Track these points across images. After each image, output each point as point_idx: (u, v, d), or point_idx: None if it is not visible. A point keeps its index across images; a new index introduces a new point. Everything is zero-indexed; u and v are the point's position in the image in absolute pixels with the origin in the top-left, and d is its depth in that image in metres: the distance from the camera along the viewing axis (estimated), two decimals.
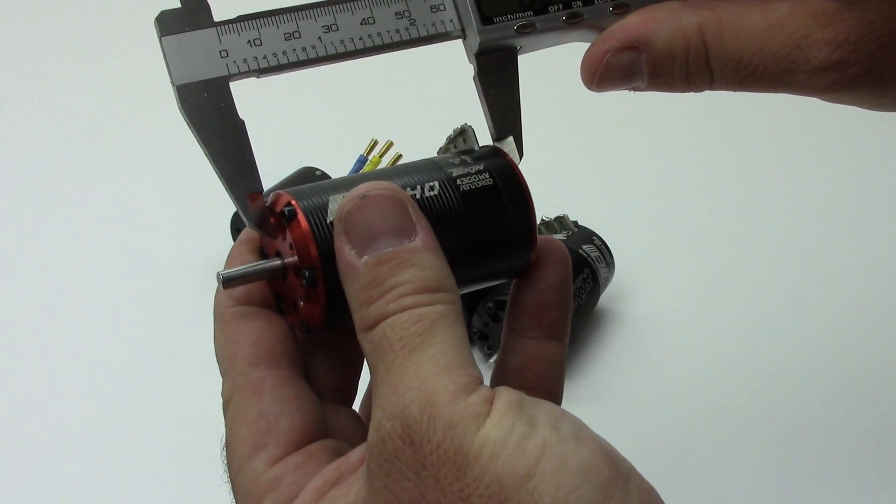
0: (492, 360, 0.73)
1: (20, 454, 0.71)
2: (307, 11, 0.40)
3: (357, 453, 0.35)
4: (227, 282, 0.38)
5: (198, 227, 0.96)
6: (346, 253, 0.35)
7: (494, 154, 0.41)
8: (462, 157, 0.41)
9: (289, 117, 1.07)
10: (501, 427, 0.31)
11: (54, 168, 1.09)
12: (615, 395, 0.74)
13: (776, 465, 0.68)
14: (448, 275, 0.35)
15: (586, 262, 0.77)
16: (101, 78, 1.28)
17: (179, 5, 0.39)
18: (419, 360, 0.32)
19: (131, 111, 1.21)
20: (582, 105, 0.95)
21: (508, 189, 0.39)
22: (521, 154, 0.42)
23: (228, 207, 0.87)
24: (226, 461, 0.37)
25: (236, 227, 0.89)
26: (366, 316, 0.34)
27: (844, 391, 0.73)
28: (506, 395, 0.32)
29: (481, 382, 0.33)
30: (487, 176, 0.39)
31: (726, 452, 0.69)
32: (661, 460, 0.68)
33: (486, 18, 0.41)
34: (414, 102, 0.94)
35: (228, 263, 0.40)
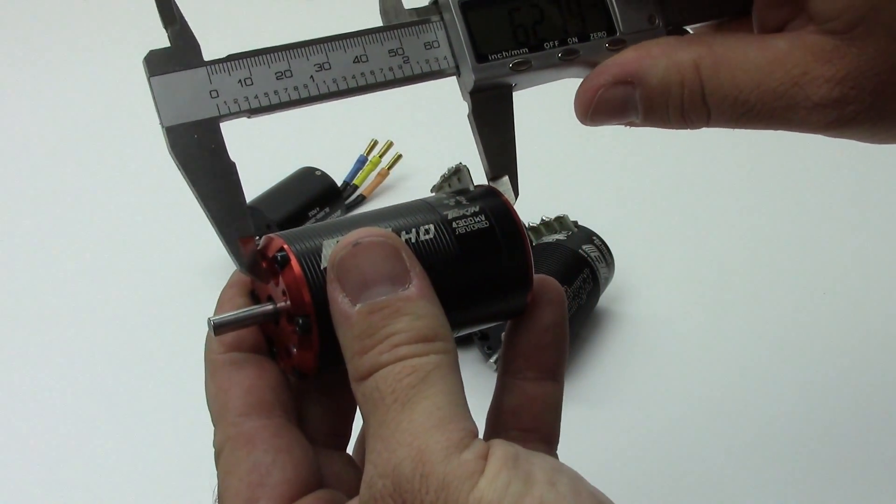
0: (492, 359, 0.73)
1: (20, 454, 0.71)
2: (299, 50, 0.39)
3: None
4: (218, 328, 0.37)
5: (198, 228, 0.96)
6: (339, 301, 0.34)
7: (490, 195, 0.40)
8: (457, 197, 0.40)
9: (289, 117, 1.07)
10: (496, 486, 0.30)
11: (54, 168, 1.09)
12: (615, 395, 0.74)
13: (775, 464, 0.67)
14: (443, 322, 0.34)
15: (586, 262, 0.77)
16: (102, 78, 1.28)
17: (169, 45, 0.38)
18: (412, 415, 0.32)
19: (132, 111, 1.20)
20: None
21: (504, 231, 0.39)
22: (516, 194, 0.41)
23: None
24: None
25: None
26: (359, 366, 0.33)
27: (845, 391, 0.73)
28: (500, 449, 0.31)
29: (476, 436, 0.32)
30: (483, 218, 0.39)
31: (726, 452, 0.69)
32: (661, 460, 0.68)
33: (480, 56, 0.40)
34: (414, 103, 0.94)
35: (219, 308, 0.39)
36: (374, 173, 0.98)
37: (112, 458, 0.70)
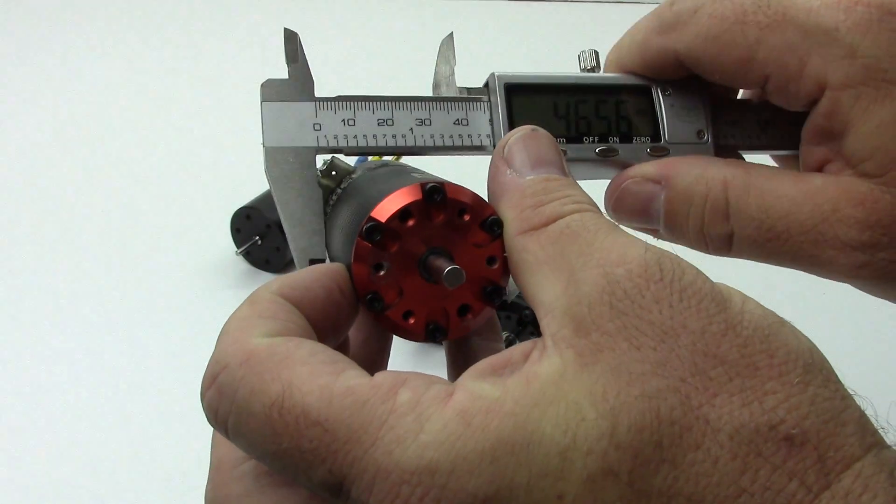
0: None
1: (20, 454, 0.71)
2: (403, 103, 0.42)
3: (508, 353, 0.33)
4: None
5: (198, 228, 0.98)
6: (506, 174, 0.36)
7: None
8: None
9: None
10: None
11: (54, 169, 1.11)
12: None
13: None
14: None
15: None
16: (103, 81, 1.29)
17: (287, 77, 0.41)
18: (626, 234, 0.33)
19: (132, 112, 1.22)
20: None
21: None
22: None
23: (228, 208, 0.90)
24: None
25: (236, 227, 0.90)
26: (534, 216, 0.34)
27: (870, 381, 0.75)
28: None
29: None
30: None
31: None
32: None
33: None
34: None
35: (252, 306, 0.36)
36: None
37: (111, 458, 0.71)
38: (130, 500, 0.67)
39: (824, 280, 0.85)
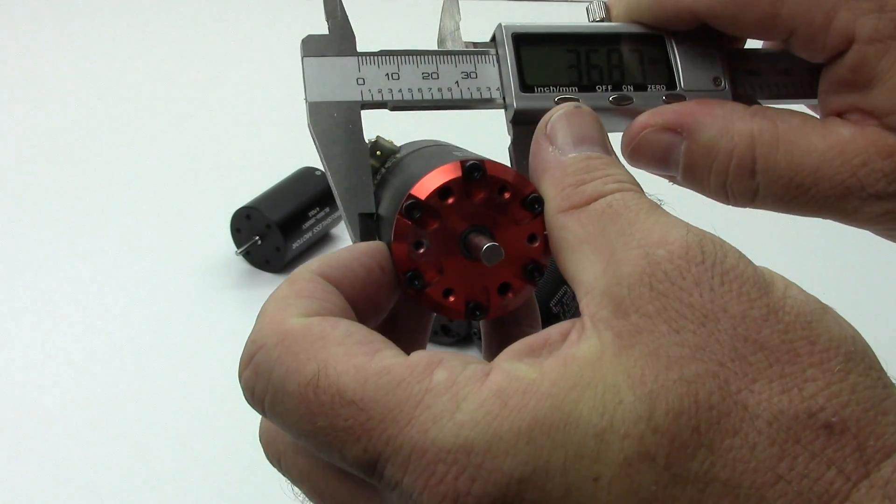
0: None
1: (20, 453, 0.70)
2: (448, 56, 0.41)
3: (546, 333, 0.32)
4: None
5: (198, 228, 0.97)
6: (548, 151, 0.36)
7: None
8: None
9: (289, 117, 1.08)
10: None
11: (54, 169, 1.10)
12: None
13: None
14: None
15: None
16: (103, 81, 1.28)
17: (328, 32, 0.40)
18: (668, 215, 0.32)
19: (132, 112, 1.21)
20: None
21: None
22: None
23: (228, 208, 0.90)
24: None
25: (236, 227, 0.90)
26: (575, 194, 0.34)
27: None
28: None
29: None
30: None
31: None
32: None
33: (525, 86, 0.41)
34: None
35: (292, 286, 0.35)
36: None
37: (110, 458, 0.70)
38: (130, 499, 0.67)
39: (824, 280, 0.86)
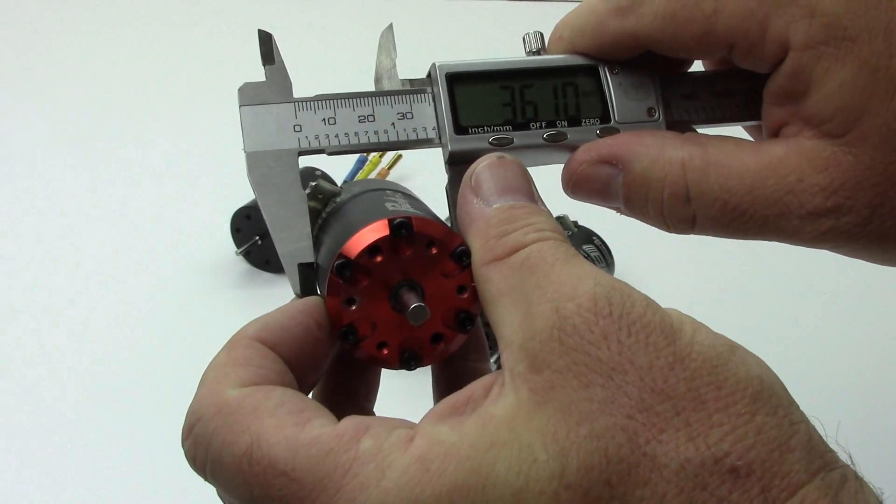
0: (492, 360, 0.75)
1: (19, 453, 0.71)
2: (383, 98, 0.41)
3: (470, 389, 0.33)
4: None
5: (198, 228, 0.97)
6: (473, 203, 0.36)
7: None
8: None
9: None
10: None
11: (54, 169, 1.11)
12: None
13: None
14: None
15: None
16: (102, 81, 1.29)
17: (264, 79, 0.40)
18: (582, 265, 0.33)
19: (133, 112, 1.22)
20: None
21: None
22: None
23: (228, 208, 0.90)
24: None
25: (236, 227, 0.90)
26: (498, 245, 0.34)
27: (845, 390, 0.74)
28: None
29: None
30: None
31: None
32: None
33: (460, 128, 0.41)
34: None
35: (228, 353, 0.36)
36: (374, 173, 1.00)
37: (110, 457, 0.71)
38: (130, 499, 0.67)
39: (824, 279, 0.83)
